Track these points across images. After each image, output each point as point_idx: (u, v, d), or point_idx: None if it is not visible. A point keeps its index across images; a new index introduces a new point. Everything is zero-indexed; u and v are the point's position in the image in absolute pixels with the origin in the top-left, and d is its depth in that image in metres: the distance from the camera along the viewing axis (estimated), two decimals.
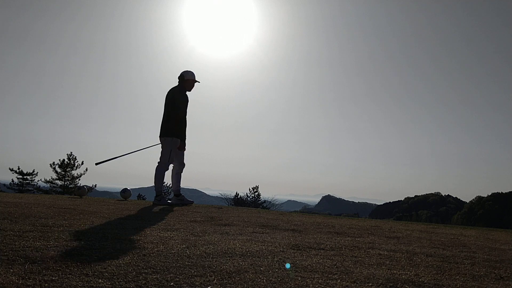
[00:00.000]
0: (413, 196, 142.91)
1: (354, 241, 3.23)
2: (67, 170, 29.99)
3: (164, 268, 1.90)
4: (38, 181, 30.56)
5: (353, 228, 4.22)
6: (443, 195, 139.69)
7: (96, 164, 6.04)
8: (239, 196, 25.92)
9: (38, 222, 3.10)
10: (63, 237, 2.55)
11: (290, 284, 1.76)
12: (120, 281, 1.65)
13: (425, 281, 1.96)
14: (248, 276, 1.85)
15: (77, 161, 30.38)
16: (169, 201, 5.99)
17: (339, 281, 1.86)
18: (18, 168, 30.43)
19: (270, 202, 25.93)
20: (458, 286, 1.93)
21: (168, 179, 6.13)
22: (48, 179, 29.88)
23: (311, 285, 1.77)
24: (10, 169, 30.15)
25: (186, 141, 5.94)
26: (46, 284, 1.56)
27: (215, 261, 2.12)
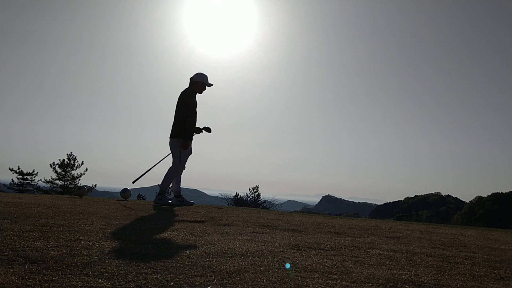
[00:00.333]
0: (413, 196, 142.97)
1: (354, 241, 3.23)
2: (67, 170, 30.00)
3: (164, 268, 1.90)
4: (38, 181, 30.58)
5: (353, 228, 4.22)
6: (443, 195, 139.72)
7: (133, 182, 6.24)
8: (239, 196, 25.91)
9: (38, 222, 3.10)
10: (63, 237, 2.55)
11: (290, 284, 1.76)
12: (120, 281, 1.65)
13: (425, 281, 1.96)
14: (248, 276, 1.85)
15: (77, 161, 30.39)
16: (169, 201, 5.98)
17: (339, 281, 1.86)
18: (18, 168, 30.45)
19: (270, 202, 25.92)
20: (458, 286, 1.93)
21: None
22: (48, 179, 29.89)
23: (311, 285, 1.77)
24: (10, 169, 30.16)
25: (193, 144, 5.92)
26: (46, 284, 1.56)
27: (215, 261, 2.12)
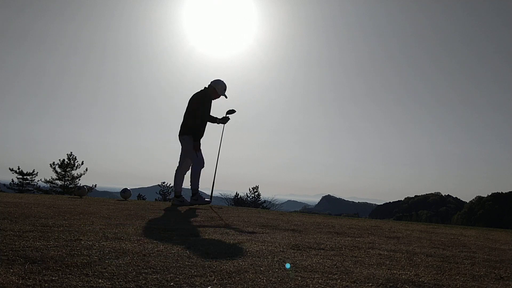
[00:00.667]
0: (413, 196, 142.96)
1: (354, 241, 3.23)
2: (67, 170, 30.00)
3: (164, 268, 1.90)
4: (38, 181, 30.58)
5: (353, 228, 4.22)
6: (443, 195, 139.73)
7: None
8: (239, 196, 25.91)
9: (38, 222, 3.10)
10: (63, 237, 2.55)
11: (290, 284, 1.76)
12: (120, 281, 1.65)
13: (425, 281, 1.96)
14: (248, 276, 1.85)
15: (77, 161, 30.39)
16: (207, 199, 5.83)
17: (339, 281, 1.86)
18: (18, 168, 30.45)
19: (270, 202, 25.93)
20: (458, 286, 1.93)
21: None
22: (48, 179, 29.89)
23: (311, 285, 1.77)
24: (10, 169, 30.16)
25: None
26: (46, 284, 1.56)
27: (215, 261, 2.12)
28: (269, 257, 2.31)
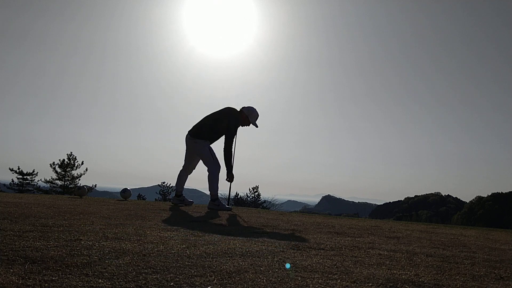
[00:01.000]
0: (413, 196, 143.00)
1: (354, 241, 3.23)
2: (67, 170, 30.02)
3: (164, 268, 1.90)
4: (38, 181, 30.61)
5: (353, 228, 4.22)
6: (443, 195, 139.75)
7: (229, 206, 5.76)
8: (239, 196, 25.92)
9: (38, 222, 3.10)
10: (63, 237, 2.54)
11: (290, 284, 1.76)
12: (120, 281, 1.65)
13: (425, 281, 1.96)
14: (248, 276, 1.85)
15: (77, 161, 30.41)
16: (228, 206, 5.54)
17: (339, 281, 1.86)
18: (18, 168, 30.46)
19: (270, 202, 25.94)
20: (458, 286, 1.93)
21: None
22: (48, 179, 29.91)
23: (311, 285, 1.77)
24: (10, 169, 30.18)
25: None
26: (46, 284, 1.56)
27: (215, 261, 2.12)
28: (269, 257, 2.31)
